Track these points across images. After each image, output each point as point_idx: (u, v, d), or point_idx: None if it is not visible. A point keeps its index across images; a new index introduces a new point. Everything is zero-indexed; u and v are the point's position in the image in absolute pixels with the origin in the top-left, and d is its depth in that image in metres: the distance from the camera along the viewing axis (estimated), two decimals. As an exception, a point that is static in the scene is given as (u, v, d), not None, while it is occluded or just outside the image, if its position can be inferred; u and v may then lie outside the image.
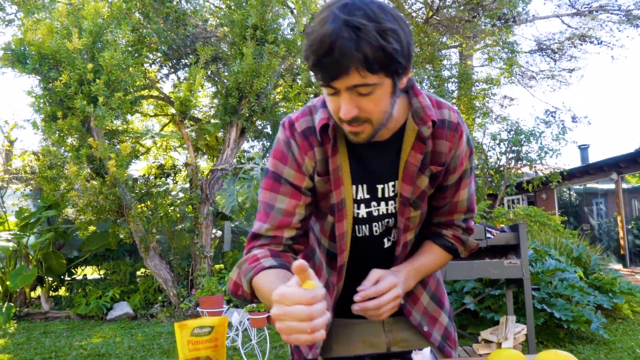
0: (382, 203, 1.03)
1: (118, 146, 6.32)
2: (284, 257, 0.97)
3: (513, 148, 10.17)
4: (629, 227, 10.91)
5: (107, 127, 6.34)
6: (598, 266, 5.72)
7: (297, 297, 0.67)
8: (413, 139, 0.97)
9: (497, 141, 10.53)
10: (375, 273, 0.97)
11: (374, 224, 1.05)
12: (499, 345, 3.38)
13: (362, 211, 1.03)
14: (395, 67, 0.80)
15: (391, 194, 1.03)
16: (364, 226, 1.05)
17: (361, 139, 0.90)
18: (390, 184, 1.02)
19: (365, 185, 1.01)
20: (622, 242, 10.31)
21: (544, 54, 15.50)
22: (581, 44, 14.65)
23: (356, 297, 0.93)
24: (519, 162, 10.30)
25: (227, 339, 4.44)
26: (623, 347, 3.99)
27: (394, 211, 1.05)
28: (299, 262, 0.70)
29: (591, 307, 4.53)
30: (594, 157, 17.14)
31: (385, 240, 1.08)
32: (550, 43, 15.17)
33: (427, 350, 0.90)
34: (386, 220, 1.06)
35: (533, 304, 4.26)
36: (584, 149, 15.17)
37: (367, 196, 1.02)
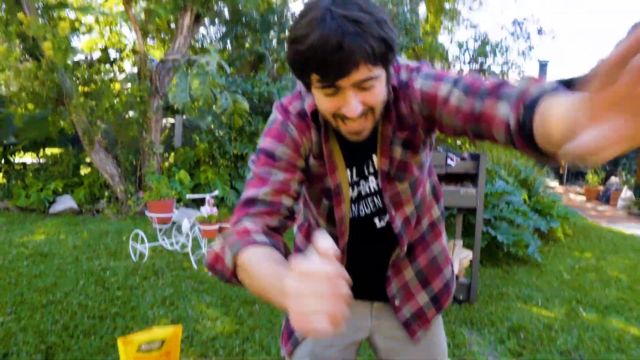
0: (364, 181, 1.03)
1: (55, 29, 5.56)
2: (277, 238, 0.86)
3: (478, 59, 10.00)
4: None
5: (42, 1, 5.53)
6: (543, 189, 6.00)
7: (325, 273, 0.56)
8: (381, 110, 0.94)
9: (463, 50, 10.28)
10: None
11: (361, 202, 1.05)
12: (445, 270, 3.54)
13: (353, 193, 1.05)
14: (391, 57, 0.81)
15: (371, 170, 1.03)
16: (353, 206, 1.06)
17: (362, 137, 0.89)
18: (369, 161, 1.02)
19: (355, 168, 1.02)
20: (562, 161, 10.85)
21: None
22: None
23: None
24: (482, 74, 10.23)
25: (177, 243, 4.41)
26: (552, 271, 4.32)
27: (376, 188, 1.04)
28: (327, 246, 0.58)
29: (530, 230, 4.81)
30: (552, 73, 17.33)
31: (376, 220, 1.07)
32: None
33: None
34: (370, 199, 1.05)
35: (478, 227, 4.46)
36: (543, 64, 15.21)
37: (356, 178, 1.03)
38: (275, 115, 1.00)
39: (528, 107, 0.66)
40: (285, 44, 0.79)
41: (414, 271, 1.15)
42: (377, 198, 1.05)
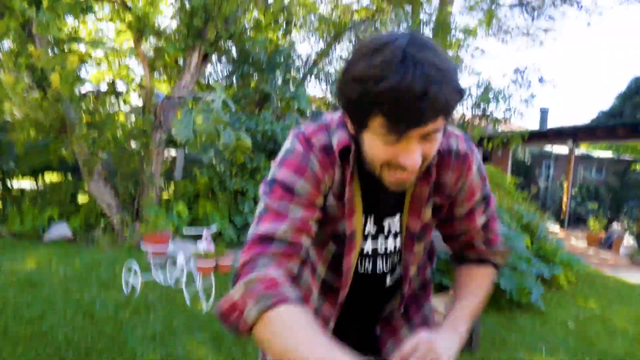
0: (387, 239, 1.00)
1: (65, 62, 5.62)
2: (300, 290, 0.85)
3: (481, 104, 10.14)
4: (573, 193, 11.41)
5: (53, 35, 5.64)
6: (544, 234, 5.91)
7: None
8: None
9: (466, 96, 10.44)
10: (409, 344, 0.81)
11: (378, 260, 1.01)
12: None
13: (368, 246, 0.99)
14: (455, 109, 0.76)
15: (396, 230, 0.99)
16: (367, 262, 1.01)
17: (404, 188, 0.85)
18: (396, 218, 0.98)
19: (372, 217, 0.96)
20: (564, 207, 10.81)
21: (523, 9, 15.23)
22: (561, 5, 14.47)
23: None
24: (484, 119, 10.32)
25: (172, 279, 4.28)
26: (556, 319, 4.18)
27: (398, 247, 1.01)
28: None
29: (533, 277, 4.69)
30: (551, 120, 17.56)
31: (388, 278, 1.05)
32: (531, -1, 14.86)
33: None
34: (388, 256, 1.02)
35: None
36: (544, 112, 15.51)
37: (374, 230, 0.98)
38: (295, 145, 0.90)
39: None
40: (342, 79, 0.67)
41: (409, 332, 1.11)
42: (395, 257, 1.03)
